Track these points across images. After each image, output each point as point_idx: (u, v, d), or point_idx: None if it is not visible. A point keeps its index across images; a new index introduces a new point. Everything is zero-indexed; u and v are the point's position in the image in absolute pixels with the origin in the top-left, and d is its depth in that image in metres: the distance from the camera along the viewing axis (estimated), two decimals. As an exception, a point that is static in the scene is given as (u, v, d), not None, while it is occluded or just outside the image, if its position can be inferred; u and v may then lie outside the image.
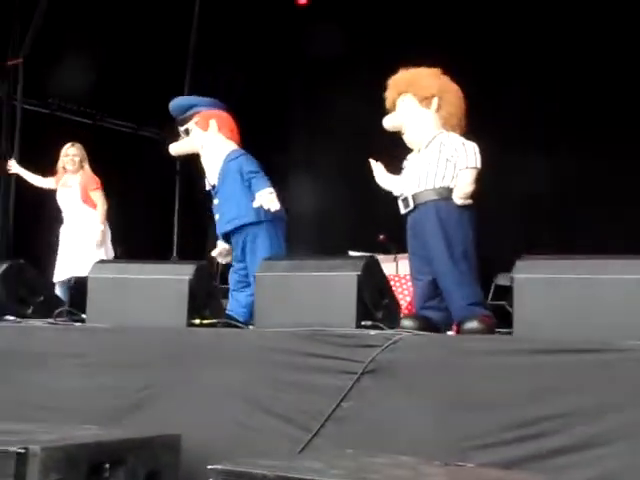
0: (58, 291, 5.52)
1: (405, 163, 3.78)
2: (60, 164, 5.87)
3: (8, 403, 3.37)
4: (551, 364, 2.66)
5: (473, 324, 3.31)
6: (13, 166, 6.05)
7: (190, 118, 4.58)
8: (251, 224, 4.33)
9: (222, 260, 4.62)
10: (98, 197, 5.81)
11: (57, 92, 6.99)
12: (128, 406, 3.23)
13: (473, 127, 3.80)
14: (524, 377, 2.68)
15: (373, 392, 2.88)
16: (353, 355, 2.94)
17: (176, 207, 8.14)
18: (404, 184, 3.70)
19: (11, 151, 6.42)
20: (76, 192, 5.82)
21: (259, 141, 5.38)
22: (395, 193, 3.79)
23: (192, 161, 7.84)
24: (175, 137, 4.76)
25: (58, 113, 7.07)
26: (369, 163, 3.84)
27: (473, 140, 3.66)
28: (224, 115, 4.64)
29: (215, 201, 4.50)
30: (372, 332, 3.04)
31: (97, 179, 5.88)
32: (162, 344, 3.33)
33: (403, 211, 3.68)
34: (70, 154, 5.83)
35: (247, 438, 3.04)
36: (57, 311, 3.73)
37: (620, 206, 6.53)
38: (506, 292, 6.45)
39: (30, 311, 3.88)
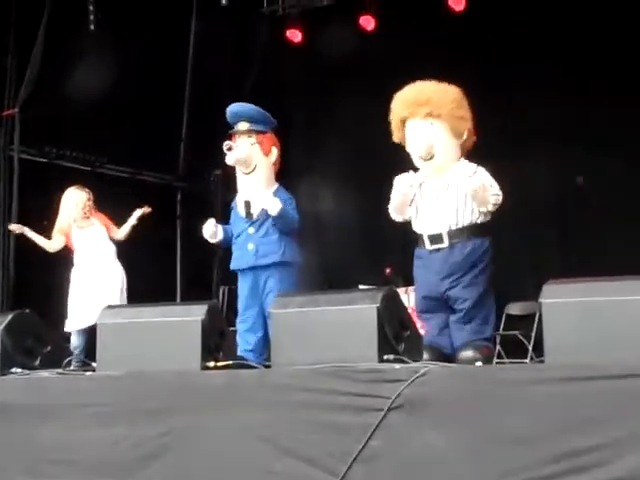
0: (75, 340, 5.32)
1: (421, 191, 3.73)
2: (75, 210, 5.63)
3: (22, 459, 3.25)
4: (587, 392, 2.55)
5: (469, 353, 3.31)
6: (17, 228, 5.84)
7: (256, 133, 4.38)
8: (282, 263, 4.27)
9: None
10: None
11: (54, 140, 6.94)
12: (145, 456, 3.09)
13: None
14: (560, 407, 2.56)
15: (402, 429, 2.76)
16: (378, 391, 2.83)
17: (178, 252, 8.05)
18: (431, 219, 3.65)
19: (10, 201, 6.34)
20: (101, 230, 5.67)
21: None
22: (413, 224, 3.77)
23: (192, 205, 7.90)
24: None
25: (56, 161, 7.01)
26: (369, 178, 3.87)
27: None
28: (279, 146, 4.50)
29: (251, 230, 4.35)
30: (397, 366, 2.93)
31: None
32: (176, 389, 3.21)
33: (430, 247, 3.65)
34: (84, 199, 5.67)
35: (271, 484, 2.91)
36: (66, 361, 3.62)
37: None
38: (517, 321, 6.40)
39: (37, 362, 3.75)
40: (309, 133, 7.89)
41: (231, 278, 5.05)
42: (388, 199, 3.99)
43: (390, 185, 3.91)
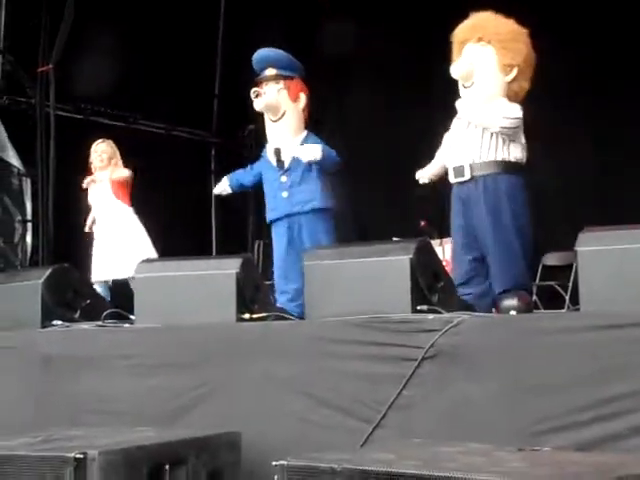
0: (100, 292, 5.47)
1: (453, 127, 3.68)
2: (90, 161, 5.80)
3: (62, 408, 3.34)
4: (623, 339, 2.53)
5: (512, 302, 3.26)
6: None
7: (284, 78, 4.33)
8: (317, 210, 4.27)
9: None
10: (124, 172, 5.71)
11: (89, 96, 6.97)
12: (184, 406, 3.16)
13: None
14: (595, 354, 2.55)
15: (435, 378, 2.77)
16: (412, 341, 2.84)
17: (213, 207, 8.09)
18: (456, 152, 3.59)
19: (47, 157, 6.41)
20: (107, 187, 5.72)
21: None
22: (439, 167, 3.71)
23: (226, 160, 7.90)
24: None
25: (91, 118, 7.05)
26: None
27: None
28: (308, 92, 4.44)
29: (283, 178, 4.33)
30: (430, 316, 2.93)
31: (128, 171, 5.77)
32: (213, 341, 3.26)
33: (454, 180, 3.60)
34: (99, 150, 5.78)
35: (306, 432, 2.96)
36: (105, 313, 3.68)
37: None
38: (555, 272, 6.32)
39: (77, 315, 3.83)
40: (340, 79, 7.78)
41: (266, 232, 5.08)
42: (423, 151, 3.95)
43: (425, 138, 3.87)
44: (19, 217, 6.48)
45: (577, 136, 6.57)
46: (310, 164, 4.24)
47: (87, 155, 5.91)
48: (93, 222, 5.80)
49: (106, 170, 5.77)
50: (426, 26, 6.69)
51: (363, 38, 7.14)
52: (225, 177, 4.63)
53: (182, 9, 7.24)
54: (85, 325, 3.67)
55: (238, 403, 3.09)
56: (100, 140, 5.86)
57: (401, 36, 7.04)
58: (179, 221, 7.31)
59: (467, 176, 3.58)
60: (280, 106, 4.34)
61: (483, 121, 3.57)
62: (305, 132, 4.41)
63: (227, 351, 3.19)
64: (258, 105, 4.36)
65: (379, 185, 7.50)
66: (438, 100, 4.66)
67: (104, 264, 5.56)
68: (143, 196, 6.06)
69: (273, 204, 4.38)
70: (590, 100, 6.57)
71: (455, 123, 3.75)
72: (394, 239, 5.49)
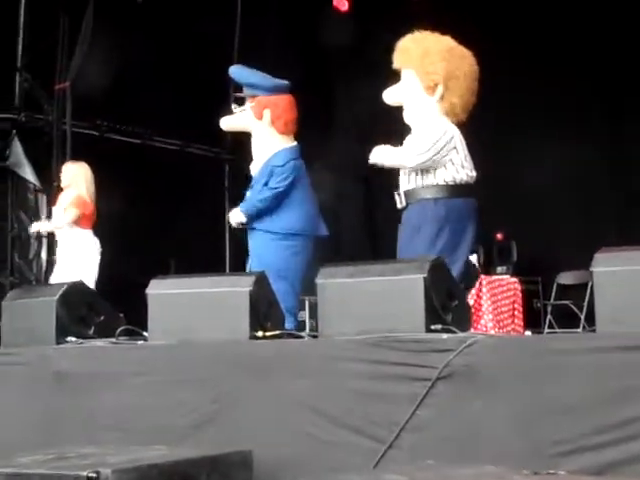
0: None
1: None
2: (92, 187, 5.74)
3: (75, 425, 3.33)
4: (638, 361, 2.50)
5: None
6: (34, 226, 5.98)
7: (248, 97, 4.51)
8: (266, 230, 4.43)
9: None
10: (72, 206, 5.56)
11: (105, 113, 7.03)
12: (196, 423, 3.15)
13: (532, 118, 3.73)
14: (612, 376, 2.52)
15: (449, 399, 2.75)
16: (426, 361, 2.82)
17: (226, 223, 8.10)
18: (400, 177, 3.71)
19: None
20: (60, 210, 5.66)
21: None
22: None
23: (240, 177, 7.93)
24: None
25: (107, 134, 7.10)
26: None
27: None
28: (282, 104, 4.50)
29: (247, 193, 4.54)
30: (444, 336, 2.91)
31: (84, 201, 5.57)
32: (226, 358, 3.25)
33: (399, 206, 3.73)
34: (61, 171, 5.78)
35: (318, 451, 2.94)
36: (119, 330, 3.68)
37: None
38: (569, 291, 6.28)
39: (91, 331, 3.83)
40: (354, 109, 7.81)
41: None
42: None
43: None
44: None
45: (593, 155, 6.56)
46: (266, 183, 4.41)
47: (102, 172, 5.94)
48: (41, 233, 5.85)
49: (67, 191, 5.69)
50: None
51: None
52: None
53: (198, 28, 7.29)
54: (99, 342, 3.67)
55: (250, 421, 3.07)
56: (68, 162, 5.84)
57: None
58: (193, 237, 7.33)
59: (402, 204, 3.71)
60: (246, 125, 4.55)
61: (395, 163, 3.67)
62: (280, 147, 4.47)
63: (240, 369, 3.19)
64: (221, 125, 4.70)
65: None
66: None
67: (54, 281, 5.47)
68: (157, 212, 6.10)
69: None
70: (606, 118, 6.57)
71: None
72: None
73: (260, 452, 2.81)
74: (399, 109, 3.87)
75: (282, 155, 4.46)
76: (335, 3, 7.71)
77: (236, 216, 4.53)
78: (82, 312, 3.84)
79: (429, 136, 3.61)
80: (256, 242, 4.51)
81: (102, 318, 3.90)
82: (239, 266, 7.59)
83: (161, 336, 3.46)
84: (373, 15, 7.46)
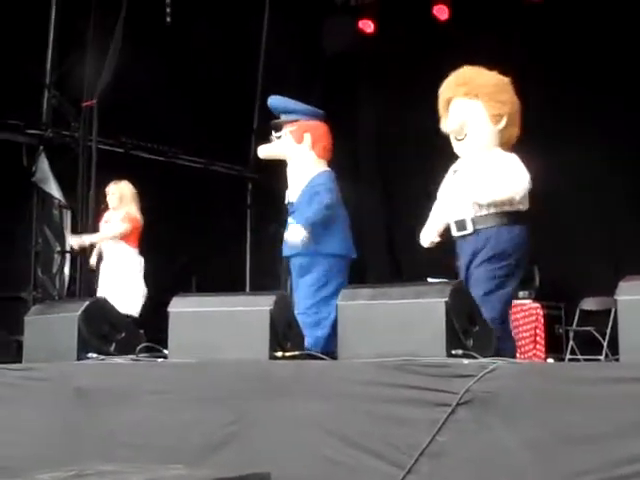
0: None
1: (452, 175, 3.74)
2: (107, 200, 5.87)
3: (94, 441, 3.34)
4: (663, 392, 2.47)
5: None
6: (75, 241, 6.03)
7: (286, 123, 4.54)
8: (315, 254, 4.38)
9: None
10: (125, 221, 5.69)
11: (130, 131, 7.10)
12: (215, 443, 3.15)
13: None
14: (635, 407, 2.49)
15: (470, 425, 2.73)
16: (446, 386, 2.80)
17: (248, 241, 8.14)
18: (456, 205, 3.67)
19: (88, 190, 6.52)
20: (110, 226, 5.78)
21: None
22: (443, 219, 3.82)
23: (262, 196, 7.98)
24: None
25: (132, 152, 7.17)
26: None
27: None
28: (321, 129, 4.58)
29: (290, 219, 4.48)
30: (465, 361, 2.89)
31: (135, 217, 5.75)
32: (245, 378, 3.25)
33: (456, 234, 3.66)
34: (109, 192, 5.85)
35: (337, 474, 2.92)
36: (139, 347, 3.70)
37: None
38: (592, 317, 6.22)
39: (112, 348, 3.85)
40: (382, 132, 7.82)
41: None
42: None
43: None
44: (58, 248, 6.59)
45: (619, 182, 6.51)
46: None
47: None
48: (99, 259, 5.86)
49: (118, 211, 5.80)
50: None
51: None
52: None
53: (222, 47, 7.37)
54: (119, 359, 3.68)
55: (269, 442, 3.06)
56: (113, 182, 5.90)
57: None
58: (214, 255, 7.36)
59: (469, 229, 3.68)
60: (285, 152, 4.55)
61: (504, 197, 3.62)
62: (317, 172, 4.49)
63: (259, 389, 3.18)
64: (259, 153, 4.66)
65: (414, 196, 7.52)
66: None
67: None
68: (180, 229, 6.13)
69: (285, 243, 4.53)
70: (634, 151, 6.52)
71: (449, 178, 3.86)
72: (429, 279, 5.49)
73: (278, 474, 2.80)
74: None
75: (324, 176, 4.50)
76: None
77: (297, 233, 4.32)
78: (103, 329, 3.86)
79: (520, 166, 3.67)
80: (303, 263, 4.45)
81: (123, 335, 3.92)
82: (259, 284, 7.63)
83: (181, 354, 3.47)
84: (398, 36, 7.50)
